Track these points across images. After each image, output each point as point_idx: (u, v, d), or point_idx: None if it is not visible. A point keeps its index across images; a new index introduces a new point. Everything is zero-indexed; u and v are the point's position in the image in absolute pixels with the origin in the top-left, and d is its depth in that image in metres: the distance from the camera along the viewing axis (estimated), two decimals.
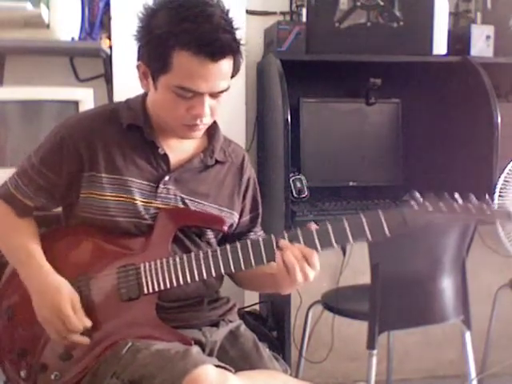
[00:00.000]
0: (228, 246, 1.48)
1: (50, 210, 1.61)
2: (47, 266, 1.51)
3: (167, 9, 1.42)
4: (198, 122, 1.48)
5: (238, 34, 1.44)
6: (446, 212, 1.45)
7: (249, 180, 1.69)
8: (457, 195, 1.46)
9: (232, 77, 1.48)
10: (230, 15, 1.45)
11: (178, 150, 1.58)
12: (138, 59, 1.49)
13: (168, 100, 1.45)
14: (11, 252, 1.58)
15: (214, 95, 1.46)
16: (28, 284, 1.51)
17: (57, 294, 1.46)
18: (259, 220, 1.73)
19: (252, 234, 1.71)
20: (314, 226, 1.45)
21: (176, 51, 1.39)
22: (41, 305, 1.48)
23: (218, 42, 1.38)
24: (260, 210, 1.73)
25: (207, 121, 1.50)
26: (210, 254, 1.48)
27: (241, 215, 1.67)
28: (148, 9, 1.46)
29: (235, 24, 1.44)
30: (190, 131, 1.51)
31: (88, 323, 1.46)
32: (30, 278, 1.51)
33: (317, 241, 1.43)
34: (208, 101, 1.45)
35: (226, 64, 1.43)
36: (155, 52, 1.42)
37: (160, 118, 1.52)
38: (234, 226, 1.65)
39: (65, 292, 1.47)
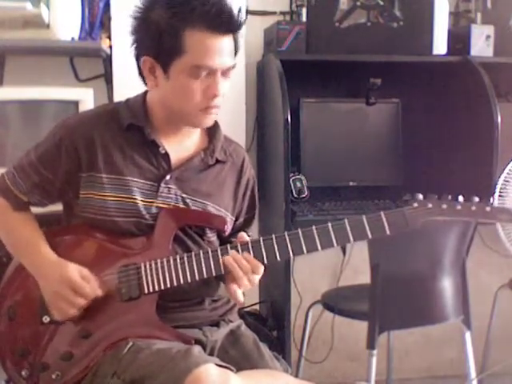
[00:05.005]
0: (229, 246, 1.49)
1: (45, 206, 1.62)
2: (54, 254, 1.52)
3: None
4: (214, 102, 1.48)
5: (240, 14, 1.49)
6: (447, 212, 1.45)
7: (248, 181, 1.69)
8: (460, 197, 1.46)
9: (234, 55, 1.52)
10: None
11: (179, 148, 1.58)
12: (143, 55, 1.49)
13: (183, 85, 1.46)
14: (14, 245, 1.59)
15: (225, 73, 1.48)
16: (35, 271, 1.52)
17: (64, 268, 1.48)
18: (253, 221, 1.74)
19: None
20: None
21: (187, 31, 1.42)
22: (49, 283, 1.49)
23: (226, 16, 1.43)
24: (255, 212, 1.74)
25: (220, 102, 1.51)
26: (210, 253, 1.49)
27: (237, 217, 1.68)
28: (143, 4, 1.48)
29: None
30: (207, 116, 1.51)
31: (99, 292, 1.47)
32: (36, 265, 1.52)
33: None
34: (221, 80, 1.47)
35: (231, 41, 1.47)
36: (164, 39, 1.43)
37: (174, 110, 1.51)
38: (230, 227, 1.65)
39: (72, 265, 1.49)
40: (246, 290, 1.50)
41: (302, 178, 2.64)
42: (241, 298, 1.50)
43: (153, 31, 1.45)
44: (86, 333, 1.48)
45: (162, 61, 1.46)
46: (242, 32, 1.51)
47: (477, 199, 1.46)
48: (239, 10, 1.47)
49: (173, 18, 1.42)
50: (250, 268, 1.45)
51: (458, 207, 1.46)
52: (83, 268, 1.49)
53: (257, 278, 1.48)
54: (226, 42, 1.45)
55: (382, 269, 2.09)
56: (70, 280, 1.46)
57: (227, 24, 1.44)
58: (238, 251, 1.47)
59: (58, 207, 1.63)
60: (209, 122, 1.55)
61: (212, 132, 1.63)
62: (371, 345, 2.11)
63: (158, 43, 1.45)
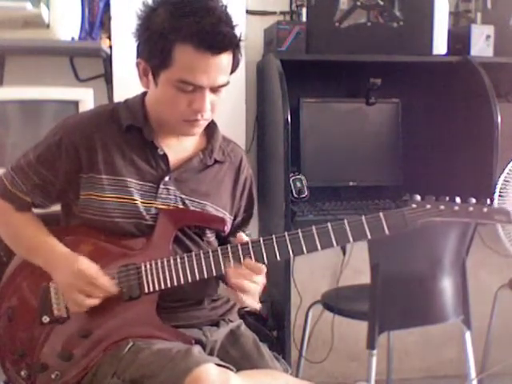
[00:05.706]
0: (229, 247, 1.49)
1: (46, 208, 1.62)
2: (64, 247, 1.52)
3: (168, 4, 1.43)
4: (199, 117, 1.48)
5: (238, 30, 1.45)
6: (445, 213, 1.45)
7: (246, 180, 1.69)
8: (457, 198, 1.47)
9: (231, 72, 1.49)
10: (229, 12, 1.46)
11: (178, 149, 1.58)
12: (138, 56, 1.49)
13: (169, 95, 1.45)
14: (18, 241, 1.58)
15: (215, 90, 1.46)
16: (47, 265, 1.51)
17: (79, 261, 1.47)
18: (250, 220, 1.74)
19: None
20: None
21: (177, 45, 1.40)
22: (63, 275, 1.47)
23: (219, 35, 1.39)
24: (253, 211, 1.74)
25: (207, 116, 1.50)
26: (210, 253, 1.49)
27: (235, 216, 1.68)
28: (147, 5, 1.47)
29: (234, 20, 1.45)
30: (191, 127, 1.51)
31: (113, 289, 1.47)
32: (48, 258, 1.51)
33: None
34: (208, 95, 1.45)
35: (226, 58, 1.43)
36: (156, 47, 1.42)
37: (161, 115, 1.52)
38: (229, 226, 1.65)
39: (86, 260, 1.48)
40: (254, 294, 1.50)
41: (302, 177, 2.64)
42: (255, 306, 1.52)
43: (148, 36, 1.44)
44: (85, 332, 1.48)
45: (152, 67, 1.46)
46: (241, 47, 1.47)
47: (473, 200, 1.46)
48: (235, 28, 1.43)
49: (166, 29, 1.40)
50: (251, 273, 1.45)
51: (456, 208, 1.46)
52: (96, 265, 1.48)
53: (260, 278, 1.47)
54: (216, 60, 1.41)
55: (382, 269, 2.09)
56: (84, 273, 1.45)
57: (219, 44, 1.40)
58: (238, 252, 1.47)
59: (58, 207, 1.63)
60: (194, 132, 1.54)
61: (210, 132, 1.62)
62: (371, 345, 2.12)
63: (150, 49, 1.44)
